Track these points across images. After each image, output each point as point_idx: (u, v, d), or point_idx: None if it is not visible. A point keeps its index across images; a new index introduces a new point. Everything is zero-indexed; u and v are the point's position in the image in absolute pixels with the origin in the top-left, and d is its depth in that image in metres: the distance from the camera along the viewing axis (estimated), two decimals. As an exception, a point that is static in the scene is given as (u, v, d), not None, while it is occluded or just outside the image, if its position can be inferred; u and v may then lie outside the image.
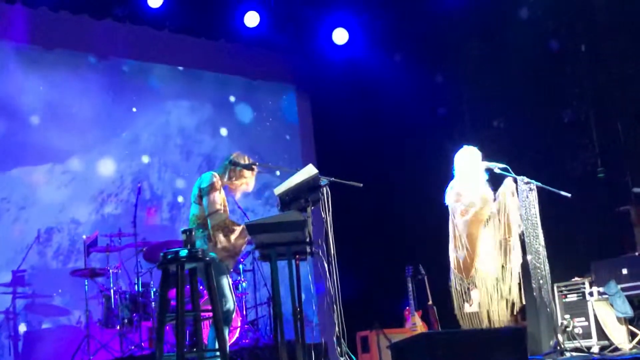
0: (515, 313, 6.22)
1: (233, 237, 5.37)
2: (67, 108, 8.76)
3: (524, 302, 6.28)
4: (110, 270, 7.48)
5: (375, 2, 9.62)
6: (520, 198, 6.25)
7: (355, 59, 9.84)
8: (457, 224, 6.33)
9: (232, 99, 10.06)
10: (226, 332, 5.32)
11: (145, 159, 9.27)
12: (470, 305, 6.21)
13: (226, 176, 5.59)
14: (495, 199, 6.30)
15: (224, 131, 9.81)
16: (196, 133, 9.67)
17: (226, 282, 5.37)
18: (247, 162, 5.66)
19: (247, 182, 5.67)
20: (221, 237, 5.34)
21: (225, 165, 5.64)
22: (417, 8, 9.26)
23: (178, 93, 9.67)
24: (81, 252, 7.73)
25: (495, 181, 6.44)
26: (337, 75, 9.96)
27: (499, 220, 6.20)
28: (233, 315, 5.53)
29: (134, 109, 9.28)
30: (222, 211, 5.41)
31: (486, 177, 6.38)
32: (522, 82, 8.33)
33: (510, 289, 6.16)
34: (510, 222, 6.18)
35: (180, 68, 9.74)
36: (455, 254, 6.36)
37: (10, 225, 8.19)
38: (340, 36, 9.74)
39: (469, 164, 6.41)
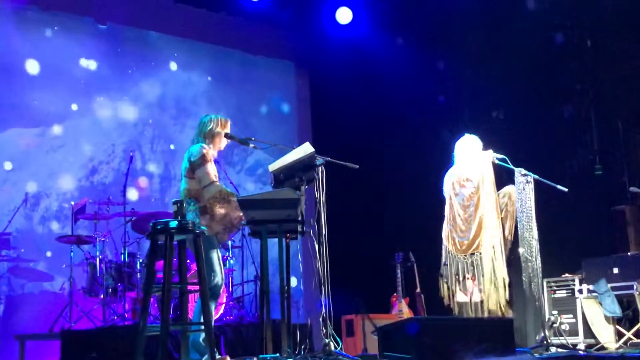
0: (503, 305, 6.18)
1: (230, 207, 5.27)
2: (63, 72, 8.61)
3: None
4: (97, 239, 7.40)
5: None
6: (517, 190, 6.20)
7: (358, 39, 9.71)
8: (457, 209, 6.29)
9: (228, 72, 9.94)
10: (213, 307, 5.25)
11: (139, 129, 9.14)
12: (466, 295, 6.16)
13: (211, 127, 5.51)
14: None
15: (219, 105, 9.67)
16: (192, 105, 9.54)
17: (216, 256, 5.28)
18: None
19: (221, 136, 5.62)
20: (218, 209, 5.25)
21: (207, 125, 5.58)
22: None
23: (176, 63, 9.54)
24: (68, 218, 7.64)
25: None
26: (337, 55, 9.84)
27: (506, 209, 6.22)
28: (221, 291, 5.46)
29: (130, 77, 9.14)
30: (217, 182, 5.33)
31: (484, 165, 6.32)
32: (524, 74, 8.27)
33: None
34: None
35: (180, 38, 9.59)
36: (452, 235, 6.32)
37: (-2, 187, 8.08)
38: (343, 15, 9.63)
39: (470, 152, 6.37)
